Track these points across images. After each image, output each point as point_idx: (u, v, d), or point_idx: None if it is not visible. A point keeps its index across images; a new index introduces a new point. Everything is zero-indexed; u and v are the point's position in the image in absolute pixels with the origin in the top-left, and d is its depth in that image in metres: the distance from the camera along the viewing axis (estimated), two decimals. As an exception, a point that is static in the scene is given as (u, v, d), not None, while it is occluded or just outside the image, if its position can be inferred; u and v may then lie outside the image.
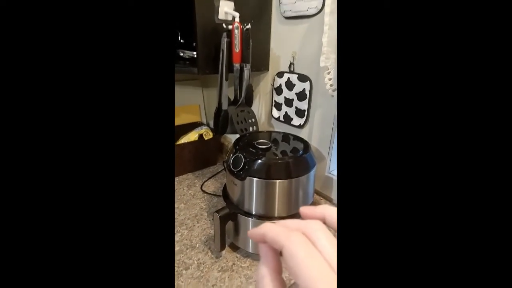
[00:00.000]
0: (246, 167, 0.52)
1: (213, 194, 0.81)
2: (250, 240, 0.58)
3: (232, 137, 1.04)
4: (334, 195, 0.67)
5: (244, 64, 0.61)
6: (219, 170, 0.95)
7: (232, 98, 0.69)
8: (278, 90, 0.73)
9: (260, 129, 0.72)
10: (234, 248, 0.61)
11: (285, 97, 0.72)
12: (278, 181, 0.51)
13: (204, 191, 0.82)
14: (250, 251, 0.59)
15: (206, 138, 0.92)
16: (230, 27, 0.58)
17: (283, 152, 0.58)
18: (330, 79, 0.56)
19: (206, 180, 0.88)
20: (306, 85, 0.65)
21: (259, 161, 0.51)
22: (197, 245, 0.61)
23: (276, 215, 0.55)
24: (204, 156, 0.94)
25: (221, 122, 0.66)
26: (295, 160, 0.53)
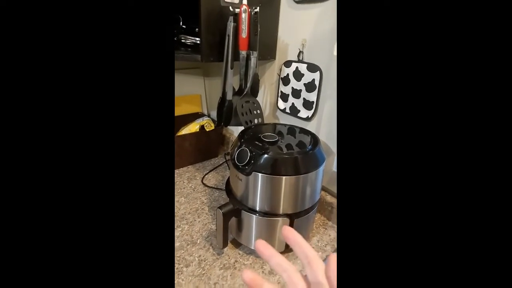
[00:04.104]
0: (252, 161, 0.49)
1: (214, 188, 0.78)
2: (253, 237, 0.55)
3: (234, 129, 1.01)
4: (341, 192, 0.65)
5: (251, 51, 0.57)
6: (221, 162, 0.92)
7: (236, 88, 0.65)
8: (285, 80, 0.70)
9: (264, 121, 0.69)
10: (237, 244, 0.59)
11: (292, 87, 0.68)
12: (285, 177, 0.48)
13: (205, 185, 0.80)
14: (253, 248, 0.56)
15: (207, 130, 0.89)
16: (237, 10, 0.54)
17: (291, 146, 0.55)
18: (343, 70, 0.53)
19: (207, 173, 0.86)
20: (316, 75, 0.62)
21: (266, 155, 0.48)
22: (198, 241, 0.59)
23: (281, 212, 0.52)
24: (205, 148, 0.91)
25: (225, 113, 0.63)
26: (304, 155, 0.50)
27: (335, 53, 0.50)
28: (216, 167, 0.90)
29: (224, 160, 0.93)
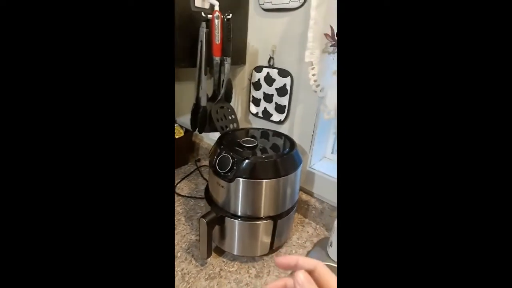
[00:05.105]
0: (235, 167, 0.49)
1: (189, 197, 0.76)
2: (236, 242, 0.55)
3: (204, 135, 0.99)
4: (315, 190, 0.68)
5: (224, 57, 0.57)
6: (192, 170, 0.89)
7: (209, 94, 0.65)
8: (256, 85, 0.71)
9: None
10: (220, 252, 0.58)
11: (264, 92, 0.70)
12: (268, 180, 0.50)
13: (178, 194, 0.76)
14: (236, 253, 0.56)
15: (176, 137, 0.85)
16: (209, 16, 0.53)
17: (270, 150, 0.56)
18: (314, 75, 0.56)
19: (179, 182, 0.82)
20: (287, 80, 0.64)
21: (248, 161, 0.49)
22: (179, 254, 0.56)
23: (264, 215, 0.53)
24: (175, 155, 0.87)
25: (200, 120, 0.61)
26: (283, 158, 0.52)
27: (307, 59, 0.53)
28: (188, 175, 0.87)
29: (196, 167, 0.91)
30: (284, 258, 0.24)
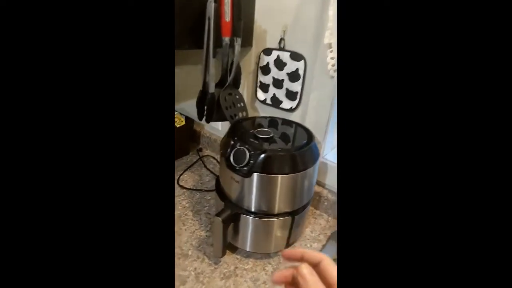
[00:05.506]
0: (251, 161, 0.45)
1: (194, 189, 0.72)
2: (249, 239, 0.52)
3: (204, 123, 0.93)
4: (328, 181, 0.66)
5: (235, 38, 0.51)
6: (194, 160, 0.85)
7: (216, 80, 0.59)
8: (265, 70, 0.65)
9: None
10: (233, 249, 0.55)
11: (273, 77, 0.65)
12: (287, 175, 0.46)
13: (182, 187, 0.72)
14: (248, 250, 0.54)
15: (177, 126, 0.80)
16: (217, -11, 0.47)
17: (285, 142, 0.52)
18: (332, 58, 0.51)
19: (182, 173, 0.78)
20: (300, 64, 0.59)
21: (265, 154, 0.45)
22: (190, 252, 0.53)
23: (278, 211, 0.50)
24: (175, 145, 0.82)
25: (208, 108, 0.56)
26: (301, 151, 0.48)
27: (326, 41, 0.48)
28: (190, 165, 0.82)
29: (198, 157, 0.86)
30: (289, 251, 0.25)
